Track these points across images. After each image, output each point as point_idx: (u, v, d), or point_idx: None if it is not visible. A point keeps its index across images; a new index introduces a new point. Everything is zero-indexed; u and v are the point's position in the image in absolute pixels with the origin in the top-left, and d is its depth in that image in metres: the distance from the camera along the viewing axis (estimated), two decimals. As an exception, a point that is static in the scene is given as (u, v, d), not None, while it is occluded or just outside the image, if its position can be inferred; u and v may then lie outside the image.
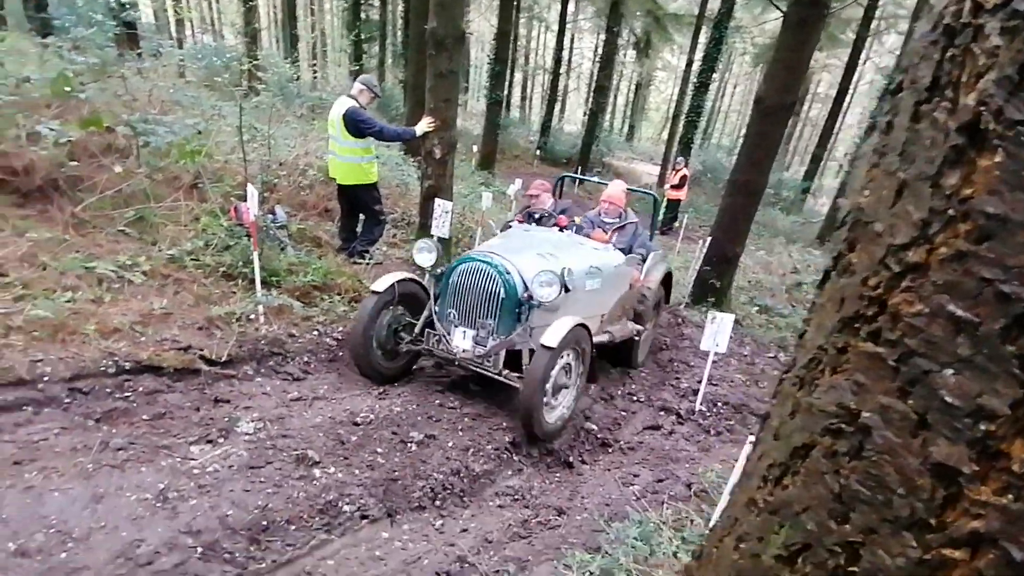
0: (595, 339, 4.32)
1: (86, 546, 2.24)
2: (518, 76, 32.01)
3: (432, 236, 4.86)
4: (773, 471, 0.87)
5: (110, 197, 4.83)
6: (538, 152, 20.93)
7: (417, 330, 4.14)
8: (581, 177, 7.93)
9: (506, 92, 22.22)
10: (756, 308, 8.03)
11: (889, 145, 0.74)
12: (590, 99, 24.30)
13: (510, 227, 5.36)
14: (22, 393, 2.94)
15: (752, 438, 2.26)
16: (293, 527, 2.62)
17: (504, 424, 3.85)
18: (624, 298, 5.04)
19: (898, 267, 0.67)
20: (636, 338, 5.19)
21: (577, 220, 5.48)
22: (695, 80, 18.98)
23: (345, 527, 2.72)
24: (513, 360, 3.93)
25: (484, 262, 3.92)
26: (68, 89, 5.33)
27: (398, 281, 4.08)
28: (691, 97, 19.08)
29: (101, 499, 2.47)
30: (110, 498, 2.49)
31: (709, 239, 7.53)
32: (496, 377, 3.85)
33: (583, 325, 3.78)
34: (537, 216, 5.53)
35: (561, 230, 5.20)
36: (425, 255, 4.20)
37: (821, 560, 0.74)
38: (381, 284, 4.04)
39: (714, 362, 4.85)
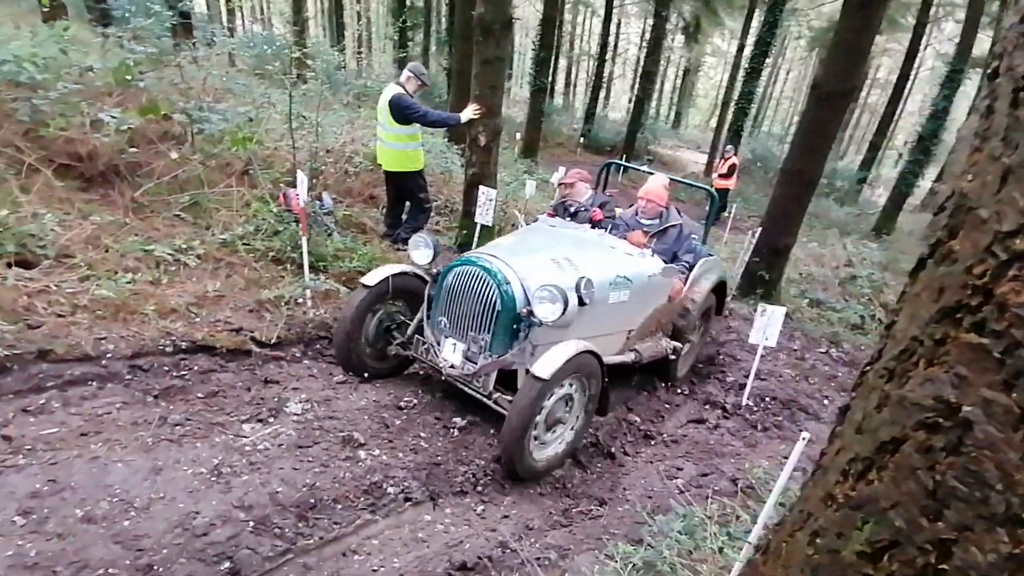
0: (618, 359, 3.92)
1: (147, 515, 2.33)
2: (562, 63, 31.67)
3: (428, 231, 4.47)
4: (855, 466, 0.84)
5: (166, 182, 4.99)
6: (582, 140, 20.71)
7: (409, 333, 3.75)
8: (628, 165, 6.91)
9: (550, 79, 22.00)
10: (807, 301, 7.78)
11: (991, 129, 0.70)
12: (636, 85, 23.90)
13: (535, 221, 4.87)
14: (87, 368, 3.08)
15: (806, 435, 2.19)
16: (339, 506, 2.67)
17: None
18: (661, 312, 4.38)
19: (1005, 255, 0.62)
20: (672, 356, 4.53)
21: (619, 212, 4.92)
22: (747, 66, 18.44)
23: (389, 508, 2.76)
24: (511, 379, 3.50)
25: (480, 267, 3.39)
26: (129, 78, 5.52)
27: (393, 275, 3.70)
28: (742, 83, 18.52)
29: (160, 471, 2.57)
30: (168, 471, 2.59)
31: (759, 230, 7.32)
32: (484, 400, 3.39)
33: (591, 352, 3.23)
34: (572, 210, 4.94)
35: (594, 225, 4.68)
36: (422, 251, 3.74)
37: (909, 558, 0.72)
38: (372, 277, 3.68)
39: (762, 356, 4.72)
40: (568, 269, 3.56)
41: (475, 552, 2.56)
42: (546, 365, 3.01)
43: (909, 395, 0.73)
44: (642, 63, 22.85)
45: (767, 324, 4.44)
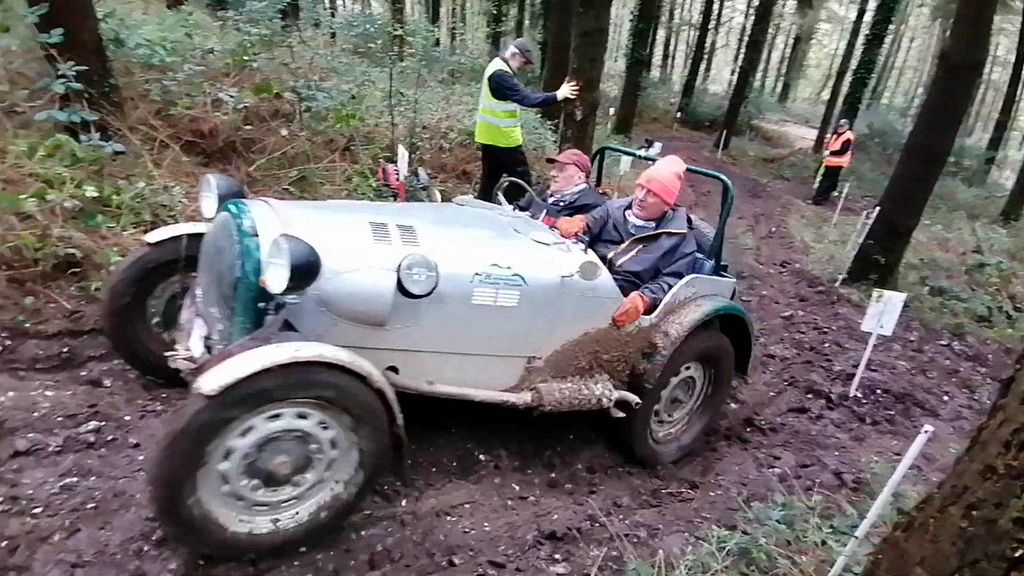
0: (500, 396, 2.67)
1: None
2: (660, 34, 30.47)
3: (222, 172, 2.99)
4: (1019, 436, 0.82)
5: (276, 158, 5.30)
6: (679, 114, 19.93)
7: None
8: (626, 151, 4.86)
9: (648, 51, 21.28)
10: (927, 289, 7.15)
11: None
12: (740, 56, 22.64)
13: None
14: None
15: (928, 428, 2.03)
16: (434, 469, 2.78)
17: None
18: (599, 340, 2.88)
19: None
20: (617, 413, 2.95)
21: (612, 203, 3.49)
22: (867, 32, 16.98)
23: (480, 475, 2.84)
24: None
25: (230, 212, 2.31)
26: (246, 59, 5.88)
27: (189, 235, 2.61)
28: (862, 51, 17.09)
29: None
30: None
31: (874, 210, 6.81)
32: None
33: (337, 366, 1.97)
34: (550, 200, 3.69)
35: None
36: (205, 201, 2.58)
37: None
38: (156, 234, 2.64)
39: (875, 346, 4.40)
40: (397, 242, 2.41)
41: (563, 523, 2.58)
42: (218, 374, 1.81)
43: (1085, 359, 0.67)
44: (748, 32, 21.58)
45: (883, 311, 4.12)
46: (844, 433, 3.96)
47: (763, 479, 3.28)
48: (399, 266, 2.20)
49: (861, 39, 18.31)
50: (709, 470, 3.37)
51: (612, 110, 15.18)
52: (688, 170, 3.43)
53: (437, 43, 13.25)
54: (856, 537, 2.12)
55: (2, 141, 3.80)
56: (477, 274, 2.49)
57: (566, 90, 5.33)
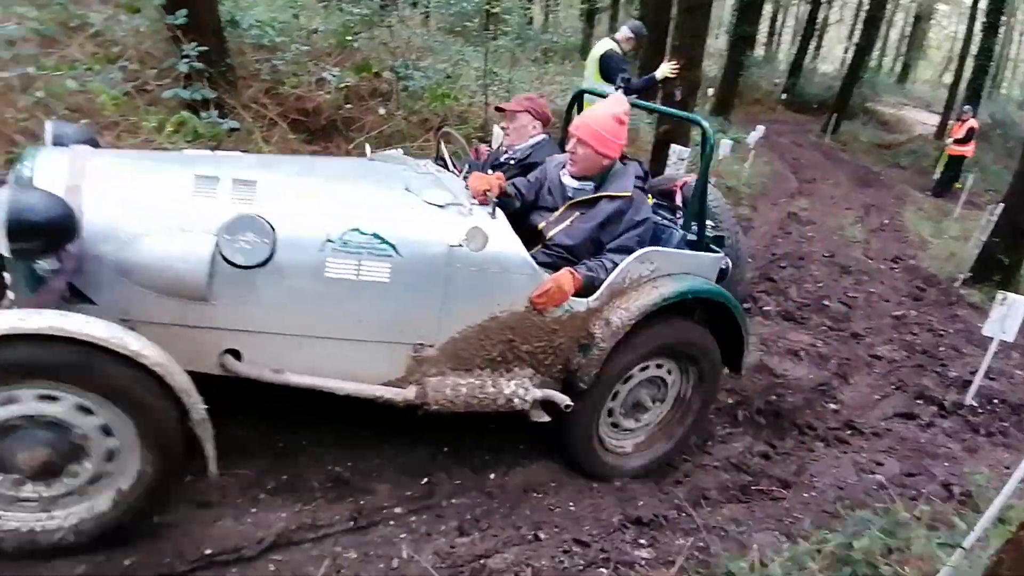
0: (373, 391, 2.16)
1: (361, 428, 2.64)
2: (766, 8, 28.74)
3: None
4: None
5: (374, 137, 5.47)
6: (783, 96, 18.71)
7: None
8: (596, 91, 3.73)
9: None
10: (1050, 293, 6.48)
11: None
12: (855, 33, 21.05)
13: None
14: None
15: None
16: (521, 446, 2.81)
17: (730, 385, 3.63)
18: (515, 328, 2.31)
19: None
20: (534, 417, 2.42)
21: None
22: (983, 20, 15.44)
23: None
24: None
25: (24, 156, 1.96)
26: (349, 39, 6.09)
27: None
28: (980, 38, 15.56)
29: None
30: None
31: (998, 206, 6.24)
32: None
33: (88, 343, 1.59)
34: (502, 158, 3.11)
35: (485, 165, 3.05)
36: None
37: None
38: None
39: (995, 353, 4.02)
40: (224, 199, 1.97)
41: (649, 509, 2.55)
42: None
43: None
44: (866, 6, 19.99)
45: (1006, 315, 3.77)
46: (956, 443, 3.67)
47: (862, 484, 3.10)
48: (221, 230, 1.86)
49: (978, 25, 16.65)
50: (803, 470, 3.21)
51: (711, 90, 14.52)
52: (635, 105, 2.68)
53: (531, 21, 13.14)
54: (963, 548, 1.98)
55: (135, 117, 4.14)
56: (330, 241, 2.01)
57: (666, 69, 5.13)
